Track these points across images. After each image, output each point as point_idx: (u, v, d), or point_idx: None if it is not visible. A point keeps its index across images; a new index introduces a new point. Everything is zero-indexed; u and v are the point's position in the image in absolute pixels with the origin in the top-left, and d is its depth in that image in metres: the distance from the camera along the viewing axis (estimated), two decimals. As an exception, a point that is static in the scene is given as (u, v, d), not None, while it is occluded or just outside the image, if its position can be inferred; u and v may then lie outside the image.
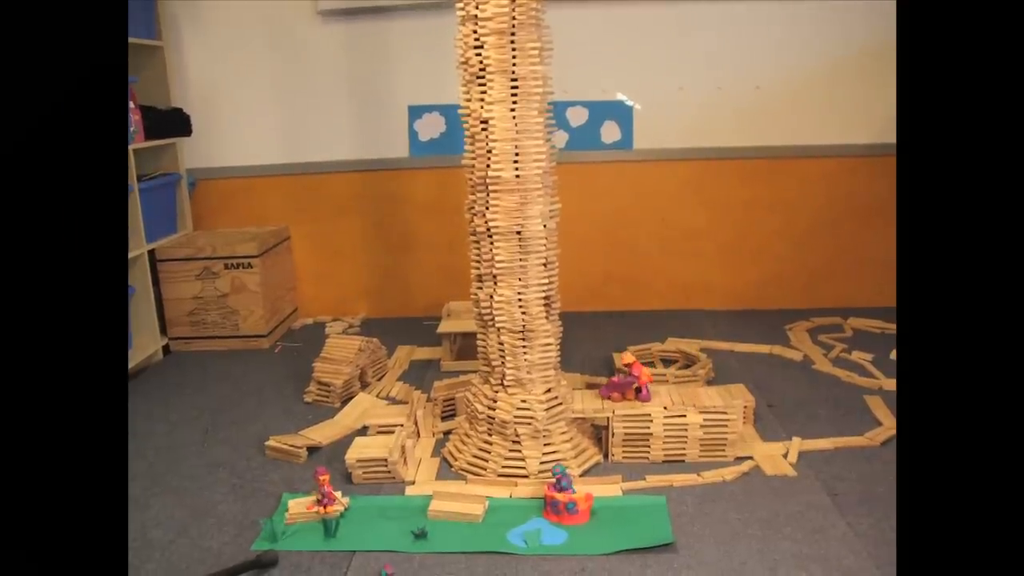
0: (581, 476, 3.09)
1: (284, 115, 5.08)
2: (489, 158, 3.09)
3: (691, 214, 5.01)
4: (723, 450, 3.18)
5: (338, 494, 2.89)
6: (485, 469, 3.13)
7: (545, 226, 3.19)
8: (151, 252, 4.66)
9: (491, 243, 3.17)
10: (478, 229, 3.19)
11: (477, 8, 2.97)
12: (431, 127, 5.03)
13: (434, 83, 4.97)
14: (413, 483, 3.11)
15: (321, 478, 2.86)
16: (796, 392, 3.81)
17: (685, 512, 2.83)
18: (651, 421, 3.18)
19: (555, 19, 4.77)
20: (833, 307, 4.97)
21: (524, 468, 3.09)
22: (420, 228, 5.17)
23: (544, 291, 3.21)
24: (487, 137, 3.06)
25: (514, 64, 3.00)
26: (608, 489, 2.99)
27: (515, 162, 3.08)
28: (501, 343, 3.19)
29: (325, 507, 2.81)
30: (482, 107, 3.04)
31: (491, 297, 3.20)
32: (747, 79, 4.80)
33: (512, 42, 3.00)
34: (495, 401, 3.18)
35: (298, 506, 2.91)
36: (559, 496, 2.80)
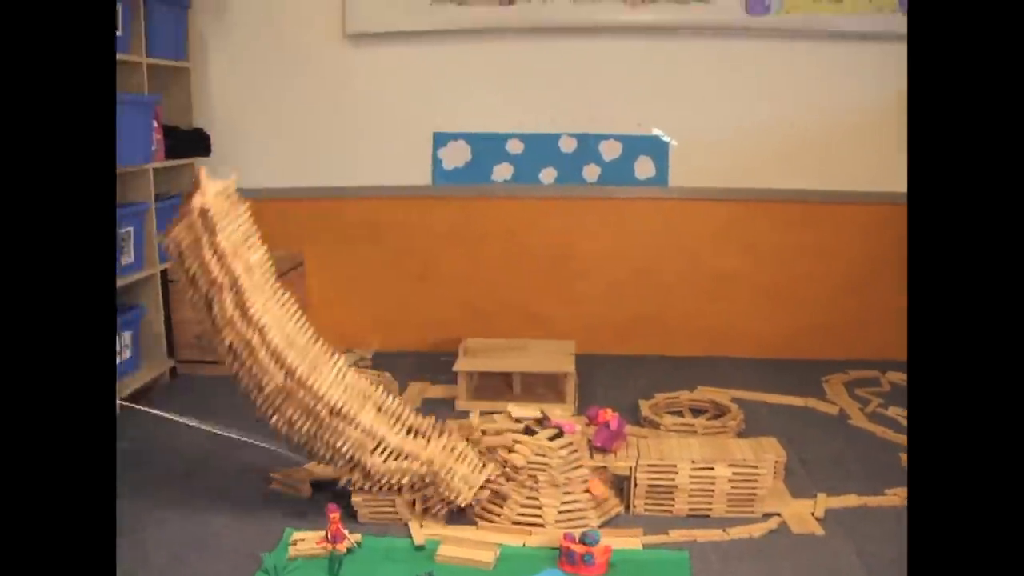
0: (600, 527, 3.09)
1: (305, 138, 5.15)
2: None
3: (725, 257, 5.03)
4: (751, 505, 3.19)
5: (347, 532, 2.92)
6: (499, 515, 3.14)
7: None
8: (163, 272, 4.71)
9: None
10: None
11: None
12: (456, 155, 5.08)
13: (460, 110, 5.03)
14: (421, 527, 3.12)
15: (332, 515, 2.89)
16: (830, 447, 3.82)
17: (708, 569, 2.84)
18: (676, 473, 3.19)
19: (592, 50, 4.88)
20: (871, 359, 4.96)
21: (540, 517, 3.09)
22: (440, 259, 5.21)
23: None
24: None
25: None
26: (628, 542, 3.00)
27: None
28: None
29: (334, 543, 2.84)
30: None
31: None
32: (787, 120, 4.84)
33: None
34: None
35: (304, 541, 2.94)
36: (575, 547, 2.81)
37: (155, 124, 4.53)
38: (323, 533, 2.92)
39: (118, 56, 4.20)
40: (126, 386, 4.33)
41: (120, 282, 4.27)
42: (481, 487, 3.13)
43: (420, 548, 2.95)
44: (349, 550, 2.90)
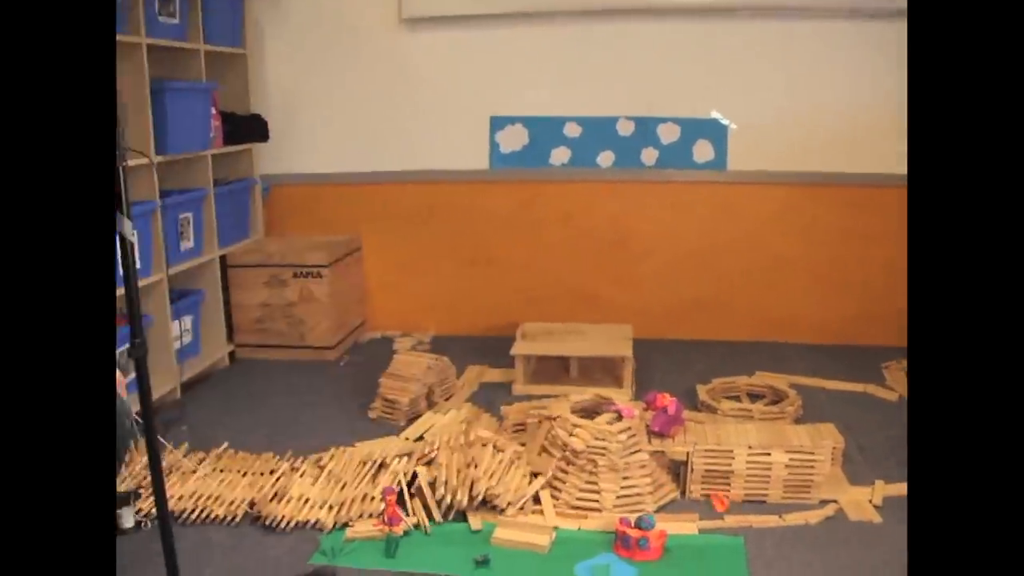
0: (656, 512, 3.10)
1: (361, 123, 5.19)
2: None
3: (785, 241, 5.00)
4: (808, 492, 3.18)
5: (403, 514, 2.97)
6: (558, 499, 3.16)
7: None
8: (222, 257, 4.79)
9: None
10: None
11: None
12: (514, 139, 5.09)
13: (518, 94, 5.04)
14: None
15: (388, 498, 2.94)
16: (888, 434, 3.78)
17: (763, 555, 2.84)
18: (733, 458, 3.19)
19: (650, 33, 4.86)
20: (934, 346, 4.89)
21: (598, 501, 3.11)
22: (497, 243, 5.23)
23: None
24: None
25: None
26: (683, 527, 3.01)
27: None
28: None
29: (391, 526, 2.88)
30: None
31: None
32: (848, 102, 4.78)
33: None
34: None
35: (361, 522, 2.98)
36: (631, 531, 2.82)
37: (213, 111, 4.59)
38: (380, 516, 2.97)
39: (176, 44, 4.26)
40: (187, 370, 4.41)
41: (181, 267, 4.34)
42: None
43: (476, 531, 2.98)
44: (406, 532, 2.94)
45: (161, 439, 3.57)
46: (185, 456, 3.56)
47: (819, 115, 4.82)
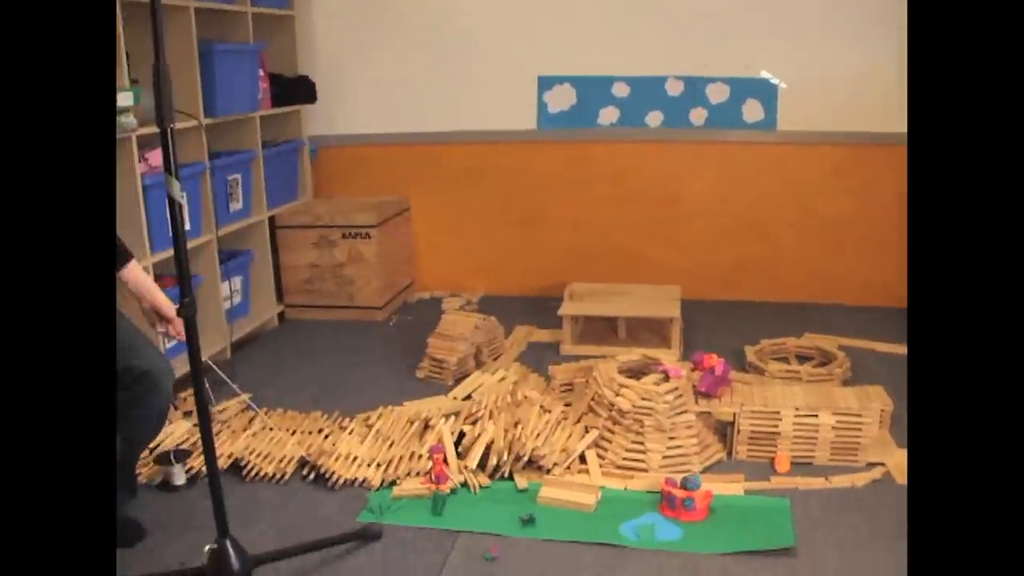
0: (702, 472, 3.11)
1: (409, 83, 5.20)
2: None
3: (836, 202, 4.95)
4: (855, 454, 3.17)
5: (450, 473, 3.00)
6: (604, 459, 3.18)
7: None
8: (271, 219, 4.83)
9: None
10: None
11: None
12: (561, 99, 5.08)
13: (566, 54, 5.02)
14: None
15: (436, 456, 2.97)
16: (939, 397, 3.75)
17: (809, 517, 2.84)
18: (780, 420, 3.18)
19: (698, -10, 4.81)
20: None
21: (644, 462, 3.13)
22: (545, 204, 5.23)
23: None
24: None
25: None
26: (729, 487, 3.01)
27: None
28: None
29: (438, 484, 2.92)
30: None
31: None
32: (899, 62, 4.70)
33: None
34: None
35: (409, 480, 3.02)
36: (676, 491, 2.84)
37: (261, 72, 4.62)
38: (427, 474, 3.00)
39: (224, 6, 4.30)
40: (237, 330, 4.47)
41: (230, 228, 4.39)
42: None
43: (523, 491, 3.01)
44: (452, 490, 2.98)
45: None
46: (236, 415, 3.63)
47: (870, 73, 4.75)
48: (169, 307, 2.56)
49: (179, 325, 2.51)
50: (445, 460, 3.04)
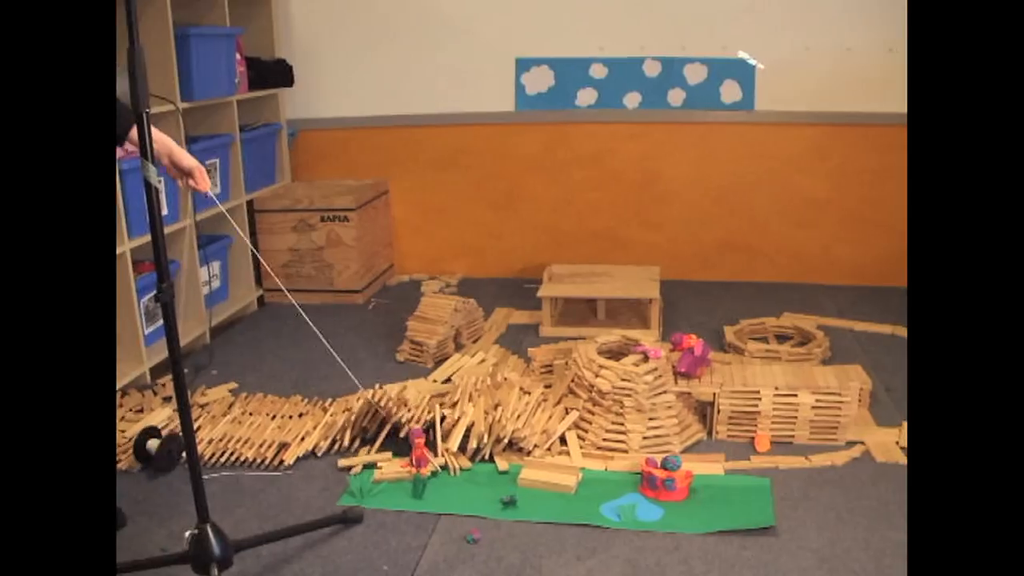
0: (682, 453, 3.12)
1: (387, 66, 5.17)
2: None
3: (814, 182, 4.96)
4: (834, 433, 3.18)
5: (431, 456, 3.00)
6: (584, 440, 3.18)
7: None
8: (250, 202, 4.81)
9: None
10: None
11: None
12: (539, 80, 5.06)
13: (543, 35, 5.00)
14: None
15: (417, 440, 2.97)
16: (917, 376, 3.77)
17: (790, 496, 2.85)
18: (759, 399, 3.19)
19: (675, -30, 4.80)
20: (965, 287, 4.87)
21: (625, 442, 3.13)
22: (524, 186, 5.23)
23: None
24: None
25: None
26: (710, 467, 3.03)
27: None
28: None
29: (419, 467, 2.92)
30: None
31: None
32: (878, 41, 4.71)
33: None
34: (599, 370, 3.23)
35: (389, 464, 3.02)
36: (657, 472, 2.84)
37: (238, 56, 4.59)
38: (408, 458, 3.00)
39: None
40: (216, 315, 4.45)
41: (208, 213, 4.36)
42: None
43: (503, 473, 3.01)
44: (433, 474, 2.98)
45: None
46: (216, 400, 3.62)
47: (848, 54, 4.75)
48: (189, 159, 2.44)
49: (202, 176, 2.43)
50: (427, 443, 3.04)
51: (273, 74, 4.97)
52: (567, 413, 3.27)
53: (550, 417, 3.24)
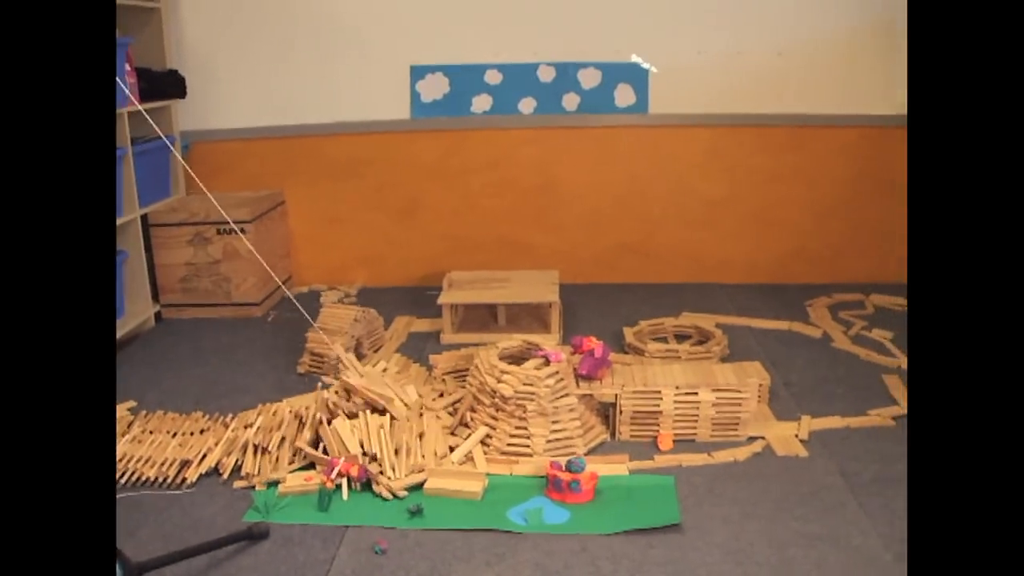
0: (586, 455, 3.13)
1: (282, 76, 5.10)
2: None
3: (709, 183, 5.03)
4: (736, 429, 3.23)
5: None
6: (489, 446, 3.17)
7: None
8: (144, 217, 4.70)
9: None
10: None
11: None
12: (434, 88, 5.04)
13: (437, 42, 4.99)
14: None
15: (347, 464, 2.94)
16: (814, 370, 3.85)
17: (694, 492, 2.88)
18: (661, 399, 3.22)
19: (567, -25, 4.82)
20: (855, 282, 4.99)
21: (529, 447, 3.13)
22: (423, 193, 5.20)
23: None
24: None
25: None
26: (614, 468, 3.04)
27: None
28: None
29: (329, 474, 2.89)
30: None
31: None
32: (768, 45, 4.80)
33: None
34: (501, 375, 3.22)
35: (294, 477, 2.97)
36: (562, 474, 2.85)
37: (127, 67, 4.48)
38: (311, 472, 2.96)
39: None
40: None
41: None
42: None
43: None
44: (338, 486, 2.93)
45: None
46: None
47: (740, 57, 4.83)
48: None
49: None
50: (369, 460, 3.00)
51: (165, 85, 4.87)
52: (471, 423, 3.25)
53: (444, 434, 3.23)
